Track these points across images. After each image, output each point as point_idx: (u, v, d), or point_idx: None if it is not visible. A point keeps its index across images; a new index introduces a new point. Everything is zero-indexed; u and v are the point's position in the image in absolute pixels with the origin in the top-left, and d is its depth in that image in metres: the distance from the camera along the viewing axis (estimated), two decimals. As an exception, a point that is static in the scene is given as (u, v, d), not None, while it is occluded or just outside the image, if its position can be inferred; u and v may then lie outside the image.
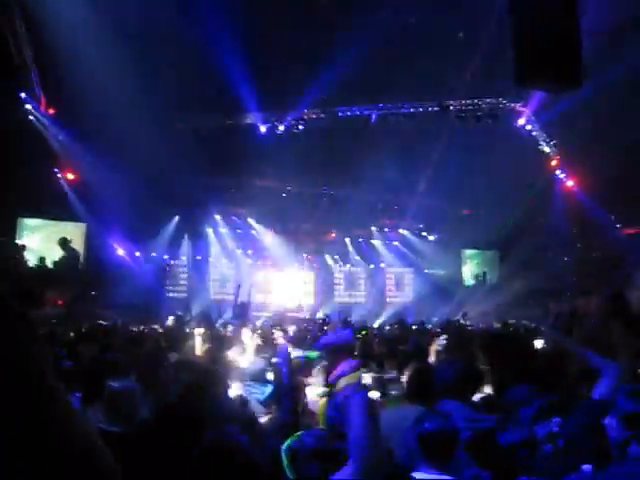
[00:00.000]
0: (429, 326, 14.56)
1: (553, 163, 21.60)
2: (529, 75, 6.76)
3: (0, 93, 14.49)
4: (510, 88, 17.06)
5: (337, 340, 2.16)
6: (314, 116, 19.03)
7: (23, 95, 16.15)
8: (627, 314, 3.88)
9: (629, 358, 3.63)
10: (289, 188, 22.22)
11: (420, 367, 3.90)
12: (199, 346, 6.13)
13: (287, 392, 3.25)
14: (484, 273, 25.12)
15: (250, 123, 19.39)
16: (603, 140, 17.06)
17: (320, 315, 19.81)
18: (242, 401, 3.71)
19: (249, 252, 23.05)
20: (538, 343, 6.88)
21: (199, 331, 6.44)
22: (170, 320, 12.34)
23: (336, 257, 24.40)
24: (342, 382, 1.94)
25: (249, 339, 6.22)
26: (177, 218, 20.87)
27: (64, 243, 16.91)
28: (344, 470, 1.91)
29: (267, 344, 6.74)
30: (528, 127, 20.56)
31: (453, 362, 3.83)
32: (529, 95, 18.21)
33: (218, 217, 22.14)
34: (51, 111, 16.90)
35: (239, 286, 12.70)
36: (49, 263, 17.82)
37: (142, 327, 12.16)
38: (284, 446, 2.22)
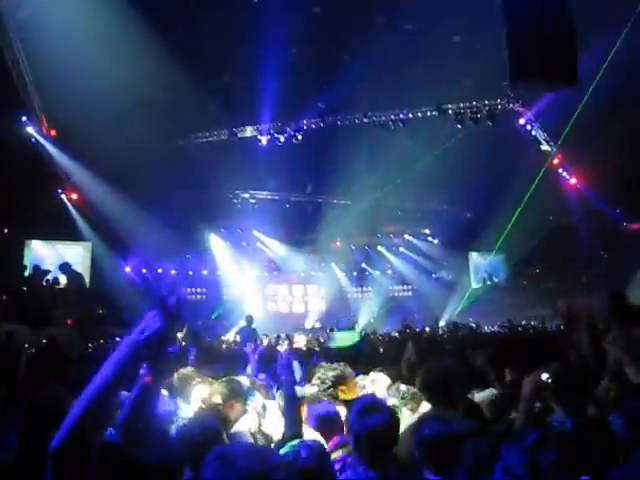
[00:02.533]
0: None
1: (555, 162, 21.56)
2: (525, 75, 6.78)
3: (1, 116, 14.61)
4: (509, 90, 17.15)
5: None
6: (313, 126, 19.07)
7: (24, 118, 16.25)
8: (627, 312, 3.85)
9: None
10: (292, 199, 22.27)
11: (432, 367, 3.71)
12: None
13: (289, 402, 3.16)
14: (490, 275, 25.04)
15: (251, 136, 19.44)
16: (603, 136, 17.05)
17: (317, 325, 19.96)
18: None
19: (255, 265, 23.08)
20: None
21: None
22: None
23: (341, 265, 24.41)
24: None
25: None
26: (183, 232, 20.90)
27: (65, 268, 16.90)
28: None
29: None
30: (528, 127, 20.53)
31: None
32: (528, 95, 18.19)
33: (223, 231, 22.19)
34: (53, 133, 16.98)
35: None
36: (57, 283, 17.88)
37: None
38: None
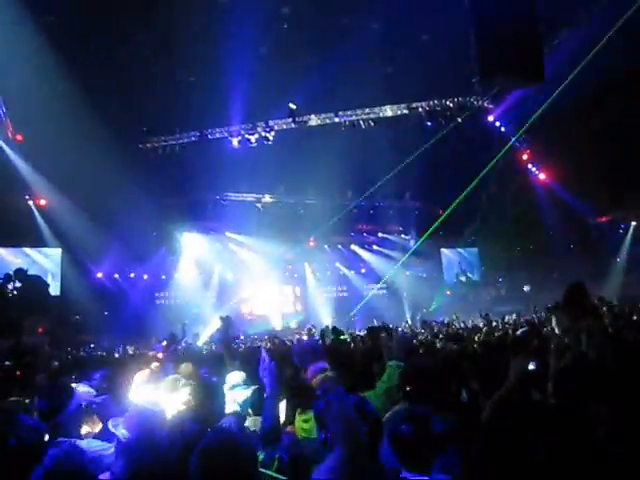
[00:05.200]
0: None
1: (524, 157, 21.88)
2: (491, 72, 6.85)
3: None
4: (478, 87, 17.30)
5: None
6: (284, 126, 19.02)
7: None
8: (583, 303, 3.87)
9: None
10: (264, 200, 22.19)
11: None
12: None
13: (270, 401, 3.31)
14: (464, 271, 25.28)
15: (221, 137, 19.30)
16: (570, 131, 17.35)
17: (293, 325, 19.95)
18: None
19: (229, 266, 22.94)
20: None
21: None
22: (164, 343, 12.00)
23: (315, 265, 24.41)
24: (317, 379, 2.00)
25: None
26: (154, 236, 20.69)
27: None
28: (332, 456, 1.95)
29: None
30: (497, 124, 20.79)
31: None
32: (496, 92, 18.40)
33: (195, 233, 22.00)
34: (19, 137, 16.65)
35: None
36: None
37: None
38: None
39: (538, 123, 18.09)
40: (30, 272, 18.04)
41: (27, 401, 4.50)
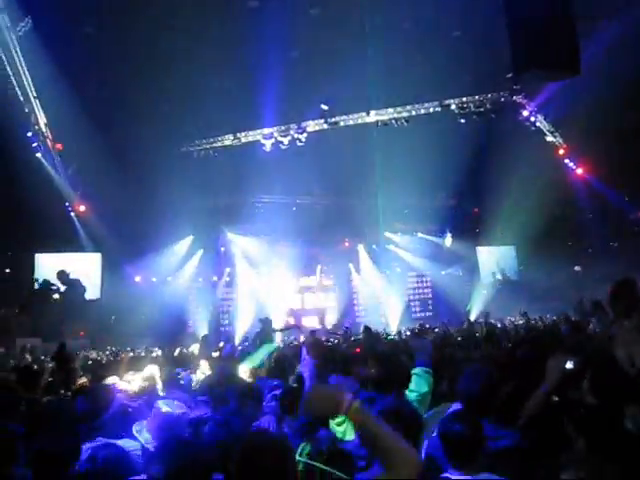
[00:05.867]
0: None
1: (561, 152, 21.45)
2: (527, 65, 6.75)
3: (7, 135, 14.74)
4: (512, 82, 17.07)
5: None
6: (317, 127, 19.06)
7: (29, 134, 16.37)
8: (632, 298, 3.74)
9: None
10: (299, 201, 22.25)
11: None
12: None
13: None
14: (501, 270, 24.91)
15: (254, 141, 19.46)
16: (608, 125, 16.96)
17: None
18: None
19: (264, 269, 23.07)
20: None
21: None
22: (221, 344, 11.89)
23: (351, 265, 24.37)
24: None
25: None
26: (191, 239, 21.00)
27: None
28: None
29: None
30: (532, 119, 20.44)
31: (479, 371, 3.51)
32: (530, 87, 18.11)
33: (231, 235, 22.22)
34: (58, 146, 17.09)
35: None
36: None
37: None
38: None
39: (574, 117, 17.76)
40: (71, 276, 18.61)
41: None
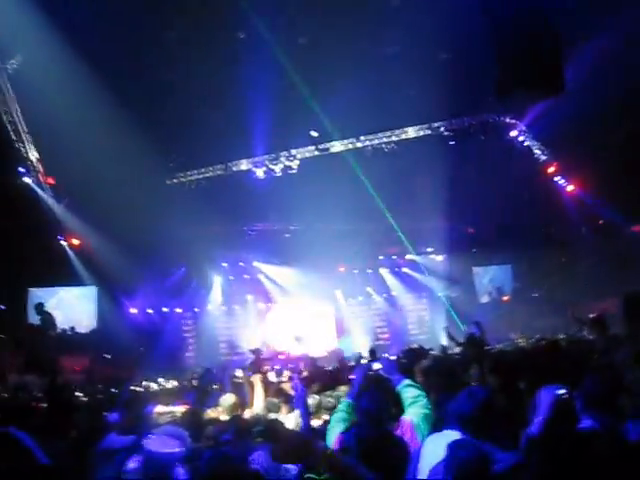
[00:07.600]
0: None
1: (551, 170, 21.57)
2: (510, 87, 6.83)
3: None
4: (498, 103, 17.23)
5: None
6: (307, 154, 19.17)
7: (21, 169, 16.39)
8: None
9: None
10: (292, 227, 22.23)
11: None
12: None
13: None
14: (498, 289, 24.84)
15: (246, 169, 19.54)
16: (597, 139, 17.11)
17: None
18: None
19: (259, 297, 22.99)
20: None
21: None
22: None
23: (345, 291, 24.27)
24: None
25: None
26: (185, 269, 20.95)
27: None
28: None
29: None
30: (520, 138, 20.63)
31: (475, 392, 3.35)
32: (517, 107, 18.30)
33: (225, 265, 22.16)
34: (50, 180, 17.10)
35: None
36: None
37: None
38: None
39: (563, 135, 17.90)
40: (67, 310, 18.45)
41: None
